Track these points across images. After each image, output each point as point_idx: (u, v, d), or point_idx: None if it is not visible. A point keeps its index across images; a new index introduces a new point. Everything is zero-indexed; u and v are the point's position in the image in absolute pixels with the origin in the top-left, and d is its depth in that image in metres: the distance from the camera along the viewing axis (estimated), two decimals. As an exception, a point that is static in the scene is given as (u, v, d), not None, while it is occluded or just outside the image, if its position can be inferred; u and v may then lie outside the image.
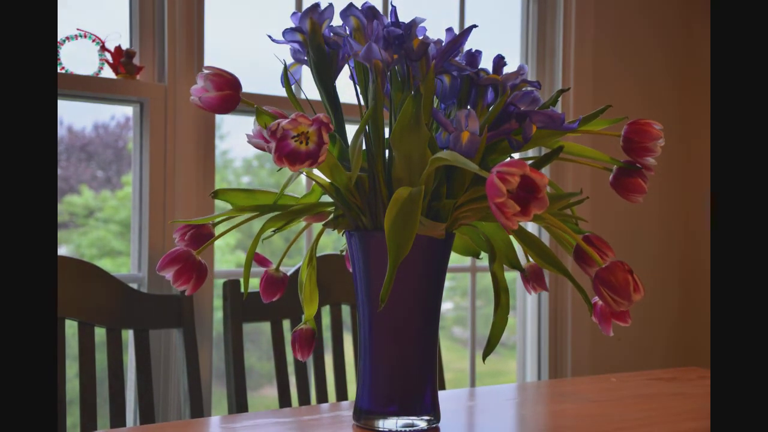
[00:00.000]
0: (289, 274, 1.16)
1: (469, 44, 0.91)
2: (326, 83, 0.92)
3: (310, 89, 0.99)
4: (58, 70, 1.66)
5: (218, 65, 0.87)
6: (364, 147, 0.88)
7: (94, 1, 1.90)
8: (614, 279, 0.78)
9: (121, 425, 1.29)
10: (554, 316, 2.36)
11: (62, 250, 2.58)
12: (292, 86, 0.92)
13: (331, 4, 0.92)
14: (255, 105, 0.86)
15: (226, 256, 3.00)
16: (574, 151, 0.93)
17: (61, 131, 2.38)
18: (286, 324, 1.48)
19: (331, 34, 0.91)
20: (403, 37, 0.85)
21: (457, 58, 0.90)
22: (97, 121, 2.54)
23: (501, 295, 0.90)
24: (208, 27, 1.81)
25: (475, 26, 0.88)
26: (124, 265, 2.66)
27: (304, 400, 1.47)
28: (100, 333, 1.32)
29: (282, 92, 1.79)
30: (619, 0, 2.48)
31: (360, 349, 0.93)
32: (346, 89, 0.96)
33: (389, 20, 0.89)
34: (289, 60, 0.95)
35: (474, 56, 0.91)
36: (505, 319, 0.90)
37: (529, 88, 0.90)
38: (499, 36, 2.43)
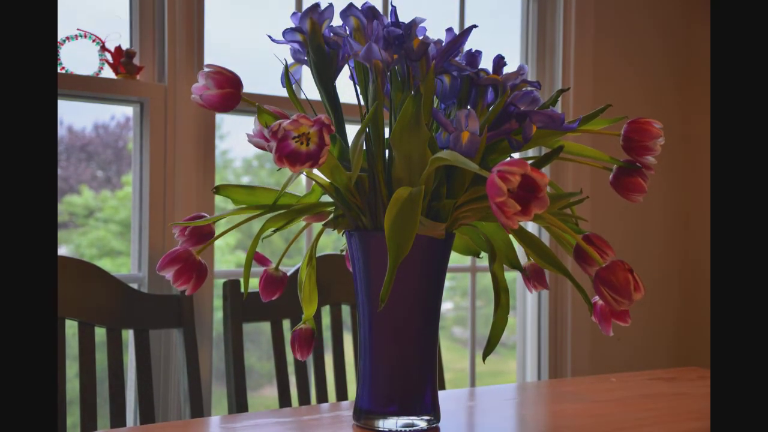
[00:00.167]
0: (289, 274, 1.16)
1: (469, 44, 0.91)
2: (326, 83, 0.92)
3: (310, 89, 0.99)
4: (58, 70, 1.66)
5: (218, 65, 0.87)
6: (364, 147, 0.88)
7: (94, 1, 1.90)
8: (615, 278, 0.78)
9: (121, 425, 1.29)
10: (554, 316, 2.36)
11: (62, 250, 2.58)
12: (292, 86, 0.92)
13: (331, 4, 0.92)
14: (256, 104, 0.86)
15: (226, 256, 3.00)
16: (574, 150, 0.93)
17: (61, 131, 2.38)
18: (286, 324, 1.48)
19: (331, 34, 0.91)
20: (403, 37, 0.85)
21: (457, 58, 0.90)
22: (97, 121, 2.54)
23: (501, 295, 0.90)
24: (208, 27, 1.81)
25: (475, 26, 0.88)
26: (124, 265, 2.66)
27: (304, 400, 1.47)
28: (100, 333, 1.32)
29: (281, 92, 1.79)
30: (619, 0, 2.48)
31: (360, 349, 0.93)
32: (346, 89, 0.96)
33: (389, 20, 0.89)
34: (289, 60, 0.95)
35: (474, 56, 0.91)
36: (505, 319, 0.90)
37: (529, 88, 0.90)
38: (499, 36, 2.43)
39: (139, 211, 1.78)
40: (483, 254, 0.99)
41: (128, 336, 1.54)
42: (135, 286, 1.74)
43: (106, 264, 2.69)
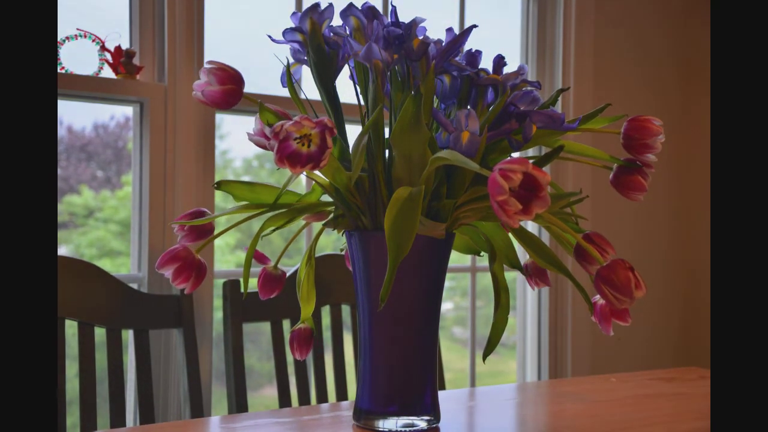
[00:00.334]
0: (289, 274, 1.16)
1: (469, 44, 0.91)
2: (326, 83, 0.92)
3: (310, 89, 0.99)
4: (58, 70, 1.66)
5: (218, 65, 0.87)
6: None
7: (94, 1, 1.90)
8: (615, 277, 0.78)
9: (121, 425, 1.29)
10: (554, 316, 2.36)
11: (62, 250, 2.58)
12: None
13: (331, 4, 0.92)
14: (258, 101, 0.86)
15: (226, 256, 3.00)
16: (574, 150, 0.93)
17: (61, 131, 2.38)
18: (286, 324, 1.48)
19: (331, 34, 0.91)
20: (403, 37, 0.85)
21: (457, 58, 0.90)
22: (97, 121, 2.54)
23: (501, 294, 0.90)
24: (208, 27, 1.81)
25: (475, 26, 0.88)
26: (124, 265, 2.65)
27: (304, 400, 1.47)
28: (100, 333, 1.32)
29: (281, 92, 1.79)
30: (619, 0, 2.48)
31: (360, 349, 0.93)
32: (346, 89, 0.96)
33: (389, 20, 0.89)
34: (290, 60, 0.95)
35: (474, 56, 0.91)
36: (505, 319, 0.90)
37: (529, 88, 0.90)
38: (499, 36, 2.43)
39: (138, 211, 1.78)
40: (483, 253, 0.99)
41: (128, 336, 1.54)
42: (135, 286, 1.74)
43: (105, 264, 2.69)
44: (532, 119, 0.85)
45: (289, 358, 1.30)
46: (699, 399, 1.15)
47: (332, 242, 2.77)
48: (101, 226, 2.70)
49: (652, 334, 2.55)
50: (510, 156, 0.91)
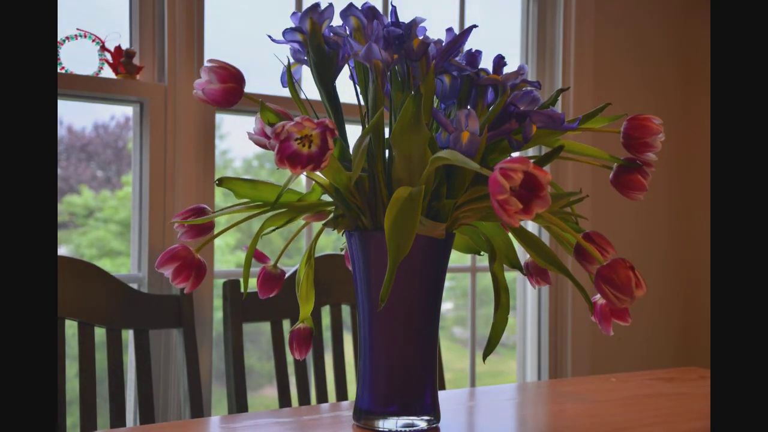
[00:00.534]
0: (289, 274, 1.16)
1: (469, 44, 0.91)
2: (326, 83, 0.92)
3: (310, 89, 0.99)
4: (58, 70, 1.66)
5: (218, 65, 0.86)
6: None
7: (94, 1, 1.90)
8: (616, 276, 0.78)
9: (121, 425, 1.29)
10: (554, 316, 2.36)
11: (62, 250, 2.58)
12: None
13: (331, 4, 0.92)
14: (260, 100, 0.86)
15: (226, 256, 3.00)
16: (574, 149, 0.93)
17: (61, 131, 2.38)
18: (286, 324, 1.48)
19: (331, 34, 0.91)
20: (403, 37, 0.85)
21: (457, 58, 0.90)
22: (97, 121, 2.54)
23: (501, 294, 0.90)
24: (208, 27, 1.81)
25: (475, 26, 0.88)
26: (124, 265, 2.66)
27: (304, 400, 1.47)
28: (100, 333, 1.32)
29: (281, 93, 1.79)
30: (619, 0, 2.48)
31: (360, 349, 0.93)
32: (346, 89, 0.96)
33: (389, 20, 0.89)
34: (290, 60, 0.95)
35: (474, 56, 0.91)
36: (506, 319, 0.90)
37: (529, 88, 0.90)
38: (499, 36, 2.43)
39: (138, 211, 1.78)
40: (483, 252, 0.99)
41: (128, 336, 1.54)
42: (135, 286, 1.74)
43: (105, 264, 2.69)
44: (532, 119, 0.85)
45: (289, 358, 1.30)
46: (699, 399, 1.15)
47: (332, 242, 2.76)
48: (101, 226, 2.70)
49: (652, 334, 2.55)
50: (510, 156, 0.91)
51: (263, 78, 1.90)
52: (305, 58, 0.94)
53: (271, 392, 2.75)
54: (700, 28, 2.60)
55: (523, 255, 0.97)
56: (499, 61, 0.91)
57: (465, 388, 2.25)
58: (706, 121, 2.59)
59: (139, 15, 1.77)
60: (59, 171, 2.41)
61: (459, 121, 0.82)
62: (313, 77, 0.93)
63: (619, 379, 1.30)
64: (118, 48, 1.71)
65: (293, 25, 0.92)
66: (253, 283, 1.50)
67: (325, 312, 1.52)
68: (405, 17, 0.90)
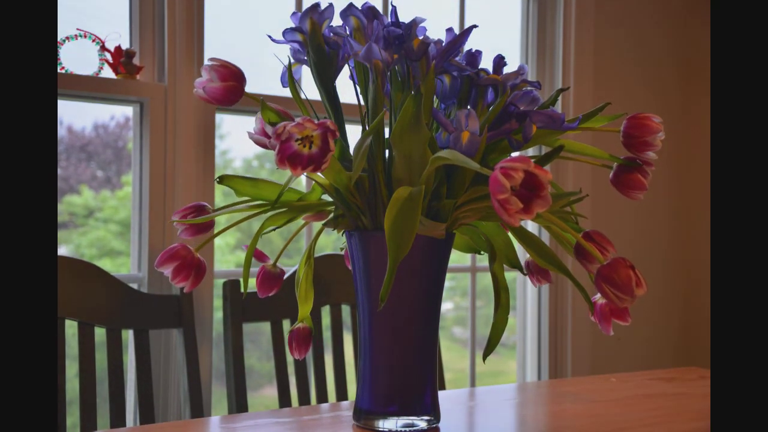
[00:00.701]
0: (289, 274, 1.16)
1: (469, 44, 0.91)
2: (326, 83, 0.92)
3: (310, 89, 0.99)
4: (58, 70, 1.66)
5: (218, 65, 0.86)
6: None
7: (94, 1, 1.90)
8: (616, 275, 0.78)
9: (121, 425, 1.29)
10: (554, 316, 2.36)
11: (62, 250, 2.58)
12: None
13: (331, 4, 0.92)
14: (261, 99, 0.86)
15: (226, 256, 3.00)
16: (574, 149, 0.93)
17: (61, 131, 2.38)
18: (286, 324, 1.48)
19: (331, 34, 0.91)
20: (403, 37, 0.85)
21: (457, 58, 0.90)
22: (97, 121, 2.54)
23: (501, 294, 0.90)
24: (208, 27, 1.81)
25: (475, 26, 0.88)
26: (124, 265, 2.65)
27: (304, 400, 1.47)
28: (100, 333, 1.32)
29: (281, 93, 1.79)
30: (619, 0, 2.48)
31: (360, 349, 0.93)
32: (346, 89, 0.96)
33: (389, 20, 0.89)
34: (290, 59, 0.95)
35: (474, 56, 0.91)
36: (506, 319, 0.90)
37: (529, 88, 0.89)
38: (499, 36, 2.43)
39: (138, 211, 1.78)
40: (483, 252, 0.99)
41: (128, 336, 1.54)
42: (135, 286, 1.74)
43: (106, 264, 2.69)
44: (532, 119, 0.85)
45: (289, 358, 1.30)
46: (699, 399, 1.15)
47: (332, 242, 2.76)
48: (101, 226, 2.70)
49: (652, 334, 2.55)
50: (510, 156, 0.91)
51: (263, 78, 1.90)
52: (305, 58, 0.94)
53: (271, 392, 2.75)
54: (700, 28, 2.60)
55: (523, 255, 0.97)
56: (499, 61, 0.91)
57: (465, 388, 2.25)
58: (706, 121, 2.58)
59: (139, 15, 1.77)
60: (59, 171, 2.41)
61: (459, 121, 0.82)
62: (313, 77, 0.93)
63: (619, 379, 1.30)
64: (118, 48, 1.71)
65: (293, 25, 0.92)
66: (253, 283, 1.50)
67: (325, 312, 1.52)
68: (405, 17, 0.90)
